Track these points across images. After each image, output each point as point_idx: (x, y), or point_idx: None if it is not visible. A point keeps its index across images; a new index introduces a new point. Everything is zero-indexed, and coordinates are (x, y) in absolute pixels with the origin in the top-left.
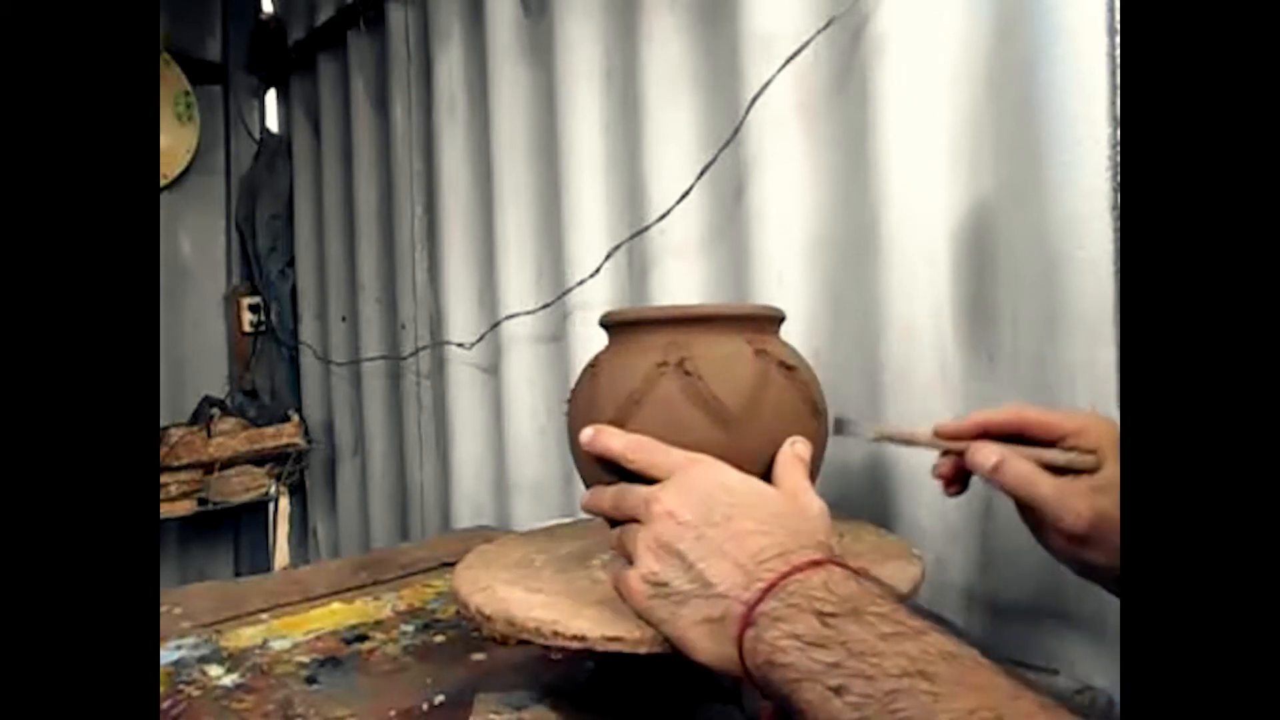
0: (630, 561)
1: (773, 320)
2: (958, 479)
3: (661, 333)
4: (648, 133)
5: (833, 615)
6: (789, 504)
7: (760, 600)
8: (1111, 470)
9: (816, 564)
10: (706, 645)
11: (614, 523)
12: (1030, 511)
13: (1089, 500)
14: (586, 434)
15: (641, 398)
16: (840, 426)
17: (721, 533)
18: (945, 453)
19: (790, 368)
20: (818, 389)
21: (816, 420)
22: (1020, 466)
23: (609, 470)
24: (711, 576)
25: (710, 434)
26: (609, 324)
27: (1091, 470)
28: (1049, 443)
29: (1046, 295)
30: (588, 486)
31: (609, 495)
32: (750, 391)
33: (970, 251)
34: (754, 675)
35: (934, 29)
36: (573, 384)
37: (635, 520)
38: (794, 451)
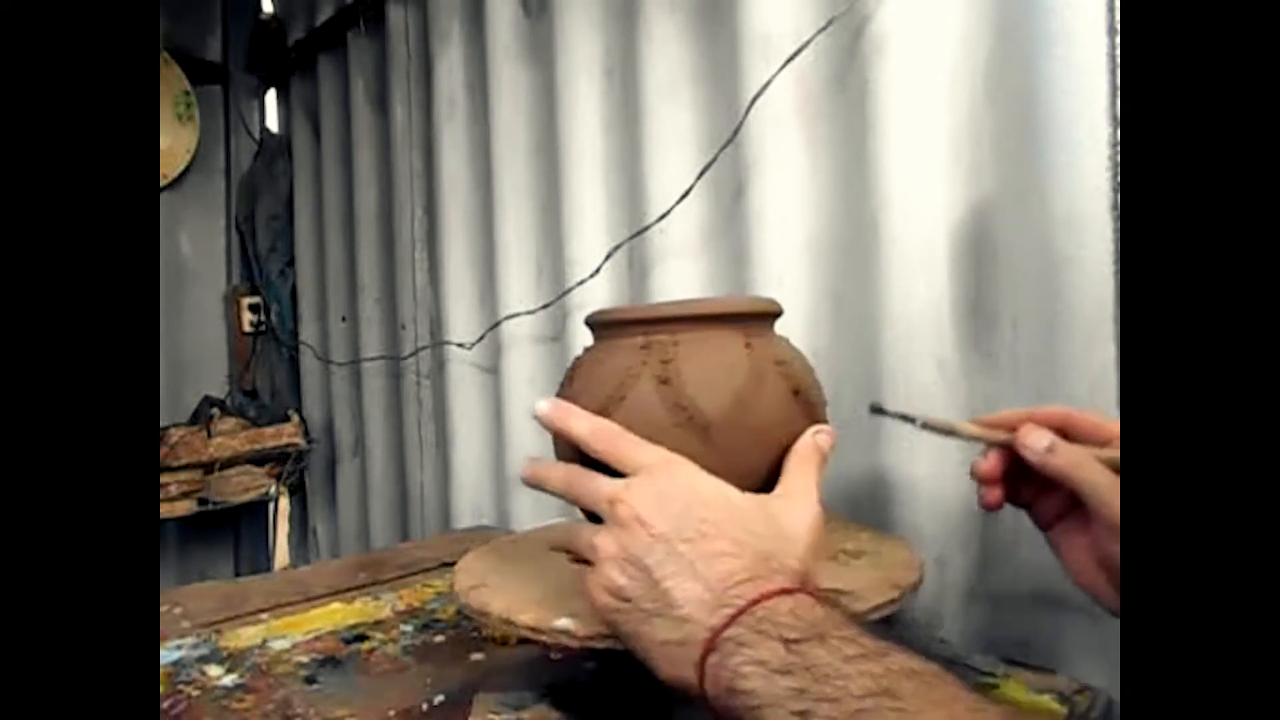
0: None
1: (768, 315)
2: (1000, 479)
3: (641, 333)
4: (648, 133)
5: (797, 641)
6: (767, 521)
7: (726, 626)
8: None
9: (786, 592)
10: (667, 667)
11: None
12: (1064, 518)
13: None
14: (542, 406)
15: (615, 403)
16: (877, 409)
17: (693, 550)
18: (988, 448)
19: (782, 364)
20: (817, 390)
21: (812, 423)
22: (1075, 450)
23: (572, 452)
24: (677, 597)
25: (688, 444)
26: (591, 324)
27: None
28: (1095, 444)
29: (1046, 295)
30: None
31: (559, 474)
32: (736, 396)
33: (970, 251)
34: (714, 702)
35: (934, 29)
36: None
37: (590, 513)
38: (815, 442)
